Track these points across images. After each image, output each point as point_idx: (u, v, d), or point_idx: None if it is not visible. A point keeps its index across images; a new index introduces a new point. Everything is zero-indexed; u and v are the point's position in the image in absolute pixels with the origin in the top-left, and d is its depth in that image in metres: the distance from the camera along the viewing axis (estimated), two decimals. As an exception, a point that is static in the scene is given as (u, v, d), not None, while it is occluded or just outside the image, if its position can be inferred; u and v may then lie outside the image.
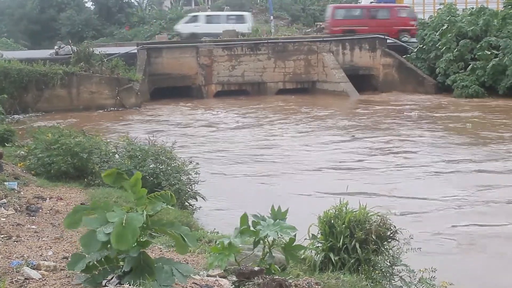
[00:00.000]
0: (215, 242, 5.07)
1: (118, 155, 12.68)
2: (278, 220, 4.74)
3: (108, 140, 13.95)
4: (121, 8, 69.63)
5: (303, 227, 7.87)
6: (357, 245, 7.53)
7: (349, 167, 18.58)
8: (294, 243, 5.04)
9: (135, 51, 38.18)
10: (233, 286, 4.81)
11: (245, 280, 4.62)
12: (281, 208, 4.88)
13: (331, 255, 7.57)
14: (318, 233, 7.91)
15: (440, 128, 25.67)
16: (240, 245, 5.19)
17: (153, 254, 6.98)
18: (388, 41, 40.83)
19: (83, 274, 5.44)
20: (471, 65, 34.95)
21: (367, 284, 6.92)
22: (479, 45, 35.43)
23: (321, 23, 57.17)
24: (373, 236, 7.56)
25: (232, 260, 4.65)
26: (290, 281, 4.64)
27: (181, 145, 18.22)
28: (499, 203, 14.44)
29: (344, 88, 37.21)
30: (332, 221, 7.76)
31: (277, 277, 4.62)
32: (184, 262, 7.00)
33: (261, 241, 4.85)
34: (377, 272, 7.39)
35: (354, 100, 35.69)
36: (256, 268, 4.71)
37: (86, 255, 5.24)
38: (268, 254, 4.87)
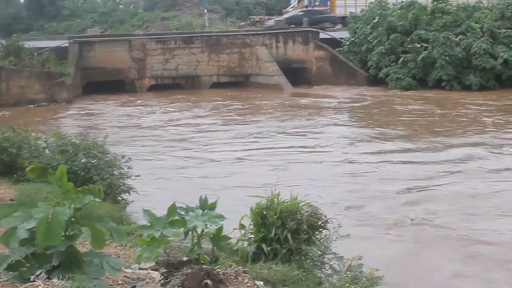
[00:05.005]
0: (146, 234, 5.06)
1: (49, 150, 12.44)
2: (206, 210, 4.77)
3: (39, 135, 13.66)
4: (52, 1, 68.25)
5: (237, 219, 7.91)
6: (289, 236, 7.59)
7: (282, 160, 18.72)
8: (223, 234, 5.08)
9: (67, 45, 37.57)
10: (162, 277, 4.82)
11: (174, 271, 4.63)
12: (207, 199, 4.91)
13: (264, 246, 7.62)
14: (250, 224, 7.95)
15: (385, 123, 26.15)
16: (171, 237, 5.19)
17: (85, 249, 6.90)
18: (321, 34, 41.26)
19: (10, 272, 5.34)
20: (402, 58, 35.62)
21: (299, 273, 6.99)
22: (409, 39, 36.15)
23: (254, 17, 57.42)
24: (304, 226, 7.64)
25: (161, 252, 4.66)
26: (218, 270, 4.67)
27: (113, 140, 18.02)
28: (412, 192, 14.97)
29: (278, 81, 37.42)
30: (264, 212, 7.81)
31: (205, 266, 4.65)
32: (115, 256, 6.96)
33: (191, 232, 4.87)
34: (308, 261, 7.47)
35: (288, 93, 35.94)
36: (184, 258, 4.72)
37: (11, 254, 5.15)
38: (197, 245, 4.89)
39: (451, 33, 34.76)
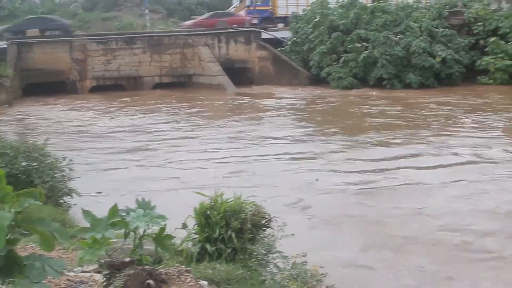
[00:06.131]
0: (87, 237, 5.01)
1: (-13, 153, 12.17)
2: (148, 211, 4.76)
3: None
4: (-11, 1, 66.87)
5: (182, 220, 7.90)
6: (233, 235, 7.60)
7: (228, 161, 18.73)
8: (166, 234, 5.08)
9: (5, 46, 36.84)
10: (104, 278, 4.80)
11: (116, 272, 4.62)
12: (145, 200, 4.91)
13: (208, 246, 7.62)
14: (194, 224, 7.94)
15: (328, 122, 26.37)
16: (113, 238, 5.15)
17: (26, 253, 6.80)
18: (263, 34, 41.42)
19: None
20: (343, 57, 36.00)
21: (243, 272, 7.02)
22: (349, 38, 36.56)
23: (197, 17, 57.25)
24: (248, 225, 7.66)
25: (103, 254, 4.64)
26: (161, 270, 4.67)
27: (54, 142, 17.78)
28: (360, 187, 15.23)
29: (221, 81, 37.42)
30: (208, 212, 7.81)
31: (147, 267, 4.65)
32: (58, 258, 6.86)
33: (132, 233, 4.86)
34: (253, 260, 7.49)
35: (231, 93, 35.97)
36: (126, 259, 4.71)
37: None
38: (139, 245, 4.88)
39: (390, 33, 35.36)
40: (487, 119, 24.49)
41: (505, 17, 35.95)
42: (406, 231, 11.94)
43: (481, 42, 36.25)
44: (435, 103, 29.28)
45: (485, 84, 34.30)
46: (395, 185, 15.37)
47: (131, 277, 4.42)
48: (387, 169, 16.95)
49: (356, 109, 28.81)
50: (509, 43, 34.70)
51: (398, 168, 17.02)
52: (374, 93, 32.91)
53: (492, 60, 34.65)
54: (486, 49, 35.59)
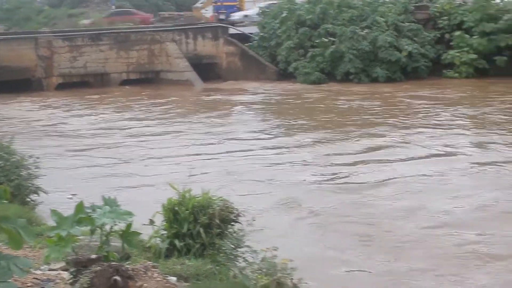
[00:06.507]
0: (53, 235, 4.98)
1: (-50, 153, 12.00)
2: (114, 207, 4.75)
3: None
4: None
5: (151, 216, 7.88)
6: (201, 230, 7.60)
7: (203, 158, 18.64)
8: (133, 230, 5.07)
9: (-32, 43, 36.33)
10: (71, 275, 4.78)
11: (83, 269, 4.60)
12: (111, 197, 4.90)
13: (176, 242, 7.62)
14: (163, 220, 7.93)
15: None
16: (79, 236, 5.13)
17: (-8, 252, 6.73)
18: (230, 29, 41.39)
19: None
20: (310, 52, 36.10)
21: (212, 267, 7.03)
22: (316, 32, 36.67)
23: (164, 13, 57.07)
24: (216, 220, 7.67)
25: (70, 251, 4.61)
26: (127, 266, 4.67)
27: (21, 140, 17.57)
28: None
29: (188, 77, 37.33)
30: (176, 208, 7.80)
31: (114, 263, 4.64)
32: (24, 257, 6.80)
33: (99, 229, 4.84)
34: (221, 255, 7.51)
35: (199, 89, 35.91)
36: (93, 256, 4.70)
37: None
38: (105, 242, 4.87)
39: (357, 27, 35.56)
40: (465, 113, 24.76)
41: (470, 12, 36.30)
42: (393, 228, 11.86)
43: (447, 36, 36.63)
44: (409, 97, 29.53)
45: (451, 78, 34.67)
46: (380, 181, 15.29)
47: (98, 273, 4.41)
48: (371, 164, 16.93)
49: (331, 103, 28.87)
50: (474, 37, 35.06)
51: (380, 162, 17.03)
52: (355, 88, 32.94)
53: (458, 54, 35.04)
54: (452, 43, 35.97)
